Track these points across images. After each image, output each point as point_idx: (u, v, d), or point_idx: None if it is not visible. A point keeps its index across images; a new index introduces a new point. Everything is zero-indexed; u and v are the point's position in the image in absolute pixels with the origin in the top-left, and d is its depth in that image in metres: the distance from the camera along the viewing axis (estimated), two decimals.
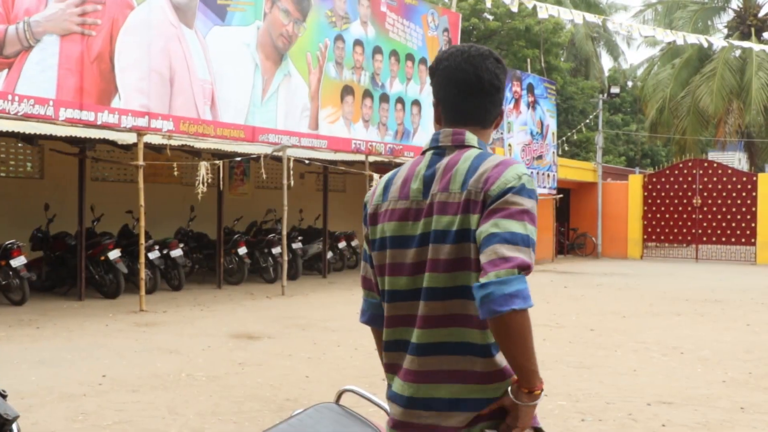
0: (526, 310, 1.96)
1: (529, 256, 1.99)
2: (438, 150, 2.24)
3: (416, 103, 18.32)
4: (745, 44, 25.90)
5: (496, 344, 2.08)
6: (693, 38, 23.81)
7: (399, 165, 2.39)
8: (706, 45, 25.65)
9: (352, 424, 2.58)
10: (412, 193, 2.21)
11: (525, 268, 1.97)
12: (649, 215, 25.70)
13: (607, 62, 47.47)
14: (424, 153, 2.29)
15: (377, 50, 17.07)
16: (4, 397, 2.70)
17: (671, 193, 25.30)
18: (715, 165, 25.26)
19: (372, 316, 2.38)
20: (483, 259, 2.00)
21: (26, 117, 10.75)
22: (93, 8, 11.40)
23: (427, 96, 18.46)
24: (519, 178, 2.07)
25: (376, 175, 16.30)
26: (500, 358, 2.11)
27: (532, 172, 22.17)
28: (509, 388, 2.09)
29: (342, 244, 18.34)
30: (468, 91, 2.25)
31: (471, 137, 2.22)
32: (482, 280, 1.97)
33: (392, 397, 2.24)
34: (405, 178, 2.26)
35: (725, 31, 34.32)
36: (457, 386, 2.12)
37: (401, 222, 2.21)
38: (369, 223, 2.32)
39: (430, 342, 2.14)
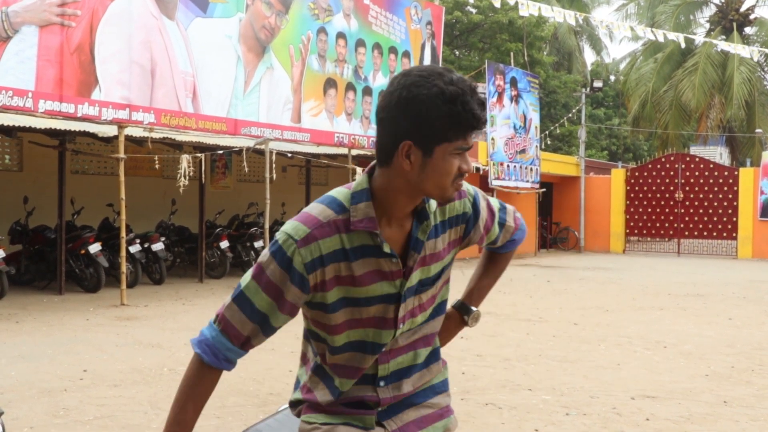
0: None
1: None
2: None
3: None
4: (723, 45, 25.93)
5: None
6: (672, 36, 23.88)
7: None
8: (683, 45, 25.73)
9: None
10: None
11: None
12: (632, 209, 25.81)
13: (589, 56, 47.66)
14: None
15: (360, 43, 17.00)
16: None
17: (653, 188, 25.41)
18: (697, 159, 25.38)
19: None
20: None
21: (5, 109, 10.60)
22: None
23: None
24: None
25: (359, 169, 16.24)
26: None
27: (515, 166, 22.35)
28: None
29: None
30: None
31: None
32: None
33: None
34: None
35: (707, 25, 34.54)
36: None
37: None
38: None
39: None
